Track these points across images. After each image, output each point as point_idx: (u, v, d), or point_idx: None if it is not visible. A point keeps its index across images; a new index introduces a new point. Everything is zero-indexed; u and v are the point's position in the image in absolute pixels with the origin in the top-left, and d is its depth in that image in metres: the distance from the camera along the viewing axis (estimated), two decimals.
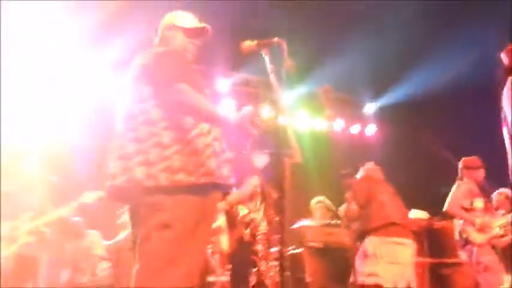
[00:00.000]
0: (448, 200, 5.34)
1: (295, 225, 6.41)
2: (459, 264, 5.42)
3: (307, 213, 6.60)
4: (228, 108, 7.95)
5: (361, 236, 4.89)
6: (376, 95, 9.33)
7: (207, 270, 4.35)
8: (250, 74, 8.24)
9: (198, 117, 2.45)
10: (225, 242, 4.39)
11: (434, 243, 5.48)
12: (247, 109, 2.45)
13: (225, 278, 4.92)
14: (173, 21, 2.76)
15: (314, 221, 6.36)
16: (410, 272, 4.71)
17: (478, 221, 5.23)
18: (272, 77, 2.58)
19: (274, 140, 2.49)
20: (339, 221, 6.01)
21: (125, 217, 5.73)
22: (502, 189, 5.93)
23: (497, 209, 6.06)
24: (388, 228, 4.60)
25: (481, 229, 5.23)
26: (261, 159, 4.89)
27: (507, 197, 5.94)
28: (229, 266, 4.79)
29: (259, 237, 4.48)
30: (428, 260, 5.37)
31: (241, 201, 4.46)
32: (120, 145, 2.44)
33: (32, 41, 5.98)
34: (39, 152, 5.14)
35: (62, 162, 5.64)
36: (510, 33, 3.44)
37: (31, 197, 4.75)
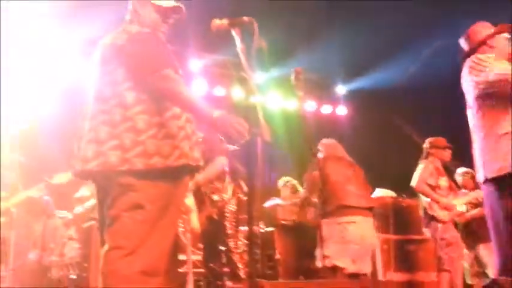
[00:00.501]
0: (415, 177, 5.46)
1: (267, 204, 6.50)
2: (423, 240, 5.59)
3: (278, 191, 6.69)
4: (199, 90, 7.94)
5: (319, 219, 4.96)
6: (348, 76, 9.42)
7: (178, 249, 4.39)
8: (221, 55, 8.21)
9: (179, 106, 2.42)
10: (195, 221, 4.43)
11: (400, 221, 5.63)
12: (236, 119, 2.36)
13: (197, 256, 4.99)
14: None
15: (285, 200, 6.47)
16: (365, 249, 4.67)
17: (443, 199, 5.39)
18: (242, 57, 2.58)
19: (244, 120, 2.50)
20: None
21: (82, 191, 5.75)
22: (468, 169, 6.11)
23: (462, 187, 6.26)
24: (340, 209, 4.60)
25: (446, 207, 5.40)
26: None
27: (472, 177, 6.13)
28: (201, 245, 4.85)
29: (227, 215, 4.53)
30: (393, 236, 5.51)
31: (209, 181, 4.49)
32: (92, 128, 2.39)
33: None
34: (9, 133, 5.07)
35: (31, 143, 5.57)
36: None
37: (1, 178, 4.70)
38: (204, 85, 8.20)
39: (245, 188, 4.71)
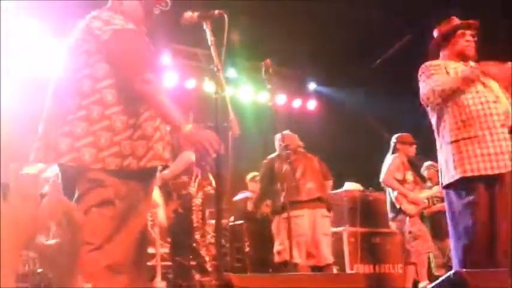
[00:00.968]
0: (383, 171, 5.58)
1: (237, 197, 6.52)
2: (390, 233, 5.70)
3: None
4: (171, 83, 7.89)
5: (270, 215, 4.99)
6: (319, 71, 9.48)
7: (147, 242, 4.38)
8: (192, 47, 8.17)
9: (155, 111, 2.42)
10: (161, 215, 4.42)
11: (367, 214, 5.72)
12: (208, 133, 2.36)
13: (165, 249, 4.98)
14: None
15: (254, 194, 6.48)
16: (317, 240, 4.67)
17: (411, 193, 5.51)
18: (212, 50, 2.59)
19: (213, 113, 2.51)
20: None
21: (47, 187, 5.64)
22: (434, 162, 6.25)
23: (428, 180, 6.41)
24: (288, 204, 4.50)
25: (413, 201, 5.52)
26: None
27: (437, 170, 6.27)
28: (169, 239, 4.85)
29: (194, 209, 4.54)
30: (360, 229, 5.60)
31: (176, 175, 4.48)
32: (68, 121, 2.36)
33: None
34: None
35: None
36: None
37: None
38: (175, 78, 8.14)
39: (213, 182, 4.73)
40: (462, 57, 3.31)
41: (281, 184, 4.65)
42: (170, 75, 8.03)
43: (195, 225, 4.51)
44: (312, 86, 9.91)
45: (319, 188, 4.81)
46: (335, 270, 5.24)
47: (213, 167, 4.42)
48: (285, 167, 4.47)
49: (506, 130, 3.04)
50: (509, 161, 3.01)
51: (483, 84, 3.19)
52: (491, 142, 3.06)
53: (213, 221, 4.44)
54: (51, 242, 3.87)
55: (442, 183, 3.31)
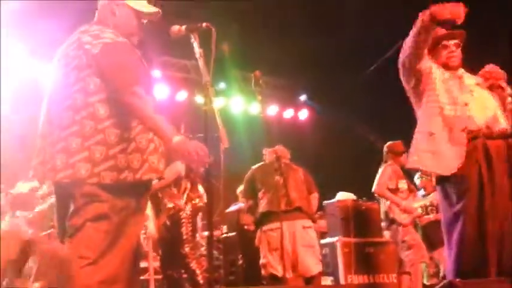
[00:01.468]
0: (376, 181, 5.57)
1: (229, 209, 6.49)
2: (384, 243, 5.68)
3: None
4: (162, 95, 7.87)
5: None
6: (311, 81, 9.51)
7: (140, 256, 4.34)
8: (183, 59, 8.18)
9: (142, 121, 2.40)
10: (152, 228, 4.39)
11: (360, 224, 5.70)
12: (197, 144, 2.34)
13: (157, 263, 4.94)
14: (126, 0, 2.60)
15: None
16: (297, 252, 4.54)
17: (403, 202, 5.50)
18: (200, 62, 2.58)
19: (203, 125, 2.50)
20: None
21: (44, 188, 5.58)
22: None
23: (422, 189, 6.41)
24: (264, 218, 4.57)
25: (406, 210, 5.50)
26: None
27: (431, 179, 6.26)
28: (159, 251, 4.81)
29: (183, 221, 4.51)
30: (354, 239, 5.57)
31: (166, 186, 4.46)
32: (62, 137, 2.36)
33: None
34: None
35: None
36: None
37: None
38: (166, 90, 8.14)
39: (204, 195, 4.69)
40: (447, 68, 3.32)
41: (263, 194, 4.62)
42: (161, 87, 8.03)
43: (184, 237, 4.49)
44: (304, 96, 9.94)
45: (300, 199, 4.67)
46: (329, 282, 5.22)
47: (203, 179, 4.40)
48: (276, 177, 4.43)
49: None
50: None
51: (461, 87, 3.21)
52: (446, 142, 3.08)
53: (206, 233, 4.40)
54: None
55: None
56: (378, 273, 5.52)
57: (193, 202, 4.65)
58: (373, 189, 5.56)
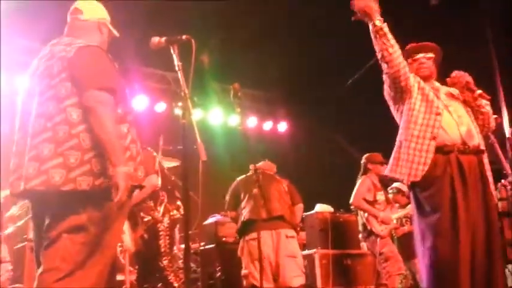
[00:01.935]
0: (353, 193, 5.61)
1: (207, 221, 6.45)
2: (361, 255, 5.71)
3: (220, 208, 6.64)
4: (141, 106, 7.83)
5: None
6: (290, 92, 9.57)
7: (116, 269, 4.28)
8: (162, 70, 8.16)
9: (98, 135, 2.29)
10: (128, 241, 4.33)
11: (338, 235, 5.73)
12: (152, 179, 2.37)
13: (134, 276, 4.88)
14: (103, 15, 2.70)
15: (226, 217, 6.42)
16: (277, 262, 4.48)
17: (381, 214, 5.55)
18: (180, 74, 2.59)
19: (181, 137, 2.49)
20: None
21: (12, 210, 5.50)
22: (395, 184, 6.30)
23: (395, 202, 6.46)
24: (244, 227, 4.57)
25: (383, 221, 5.55)
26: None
27: (399, 191, 6.33)
28: (136, 265, 4.75)
29: (161, 234, 4.47)
30: (332, 251, 5.59)
31: (142, 200, 4.41)
32: (34, 145, 2.31)
33: None
34: None
35: None
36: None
37: None
38: (146, 101, 8.11)
39: (181, 206, 4.67)
40: (423, 79, 3.38)
41: (246, 203, 4.62)
42: (140, 98, 7.99)
43: (162, 250, 4.44)
44: (283, 107, 9.99)
45: (282, 209, 4.65)
46: None
47: (181, 191, 4.37)
48: (254, 190, 4.41)
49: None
50: None
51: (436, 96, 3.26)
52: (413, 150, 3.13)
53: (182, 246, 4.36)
54: None
55: None
56: (356, 285, 5.55)
57: (170, 214, 4.61)
58: (350, 201, 5.61)
